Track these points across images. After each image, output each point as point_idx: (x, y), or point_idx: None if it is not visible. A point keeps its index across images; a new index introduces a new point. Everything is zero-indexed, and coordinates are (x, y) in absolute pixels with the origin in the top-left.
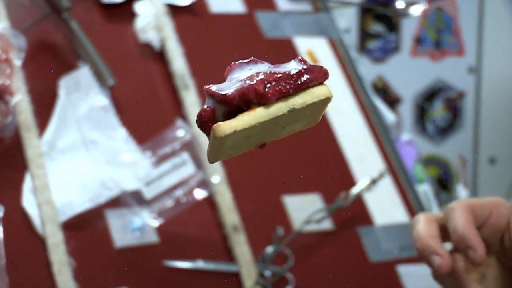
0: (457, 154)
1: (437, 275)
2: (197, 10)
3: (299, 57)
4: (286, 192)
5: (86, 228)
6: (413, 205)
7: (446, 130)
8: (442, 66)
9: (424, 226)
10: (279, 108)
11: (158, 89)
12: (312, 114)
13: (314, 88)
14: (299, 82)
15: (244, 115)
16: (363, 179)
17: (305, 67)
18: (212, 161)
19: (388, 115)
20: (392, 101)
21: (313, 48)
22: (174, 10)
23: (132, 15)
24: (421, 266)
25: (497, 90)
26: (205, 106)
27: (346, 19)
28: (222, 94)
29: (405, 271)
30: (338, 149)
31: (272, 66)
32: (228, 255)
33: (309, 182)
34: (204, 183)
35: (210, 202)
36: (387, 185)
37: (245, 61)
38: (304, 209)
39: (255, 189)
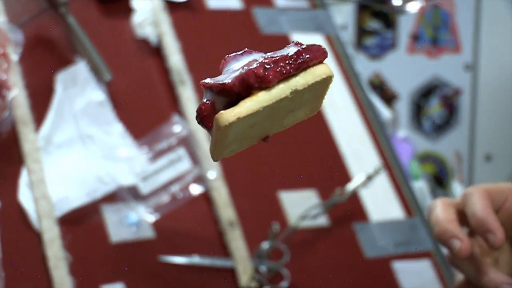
0: (453, 151)
1: (455, 259)
2: (194, 6)
3: (294, 41)
4: (282, 188)
5: (82, 223)
6: (408, 202)
7: (442, 127)
8: (439, 63)
9: (442, 211)
10: (281, 90)
11: (154, 85)
12: (314, 99)
13: (314, 67)
14: (299, 62)
15: (246, 101)
16: (358, 175)
17: (303, 47)
18: (216, 158)
19: (384, 112)
20: (389, 98)
21: None
22: (171, 6)
23: (129, 11)
24: (416, 263)
25: (493, 87)
26: (204, 100)
27: (343, 15)
28: (220, 84)
29: (400, 267)
30: (334, 145)
31: (268, 53)
32: (224, 250)
33: (305, 178)
34: (200, 179)
35: (206, 197)
36: (383, 181)
37: (239, 53)
38: (300, 205)
39: (251, 185)
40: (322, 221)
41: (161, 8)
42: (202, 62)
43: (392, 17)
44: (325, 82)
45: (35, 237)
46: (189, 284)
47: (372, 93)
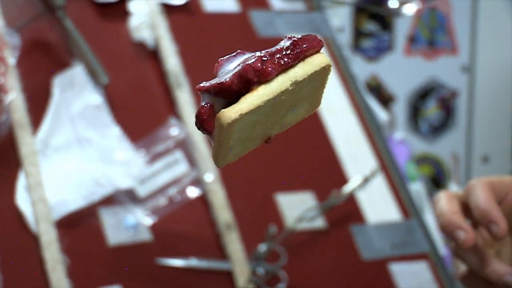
0: (450, 153)
1: (460, 250)
2: (191, 9)
3: (288, 36)
4: (279, 190)
5: (79, 226)
6: (405, 204)
7: (439, 128)
8: (436, 65)
9: (447, 203)
10: (282, 83)
11: (151, 88)
12: (314, 92)
13: (312, 57)
14: (297, 51)
15: (247, 96)
16: (355, 177)
17: (299, 37)
18: (220, 164)
19: (381, 114)
20: (386, 100)
21: None
22: (168, 9)
23: (126, 14)
24: (413, 264)
25: (490, 89)
26: (203, 104)
27: (340, 18)
28: (218, 83)
29: (397, 269)
30: (331, 147)
31: (263, 51)
32: (221, 253)
33: (302, 180)
34: (197, 182)
35: (203, 200)
36: (380, 183)
37: (232, 54)
38: (297, 207)
39: (248, 187)
40: (319, 223)
41: (158, 11)
42: (199, 65)
43: (389, 19)
44: (324, 72)
45: (33, 240)
46: (186, 286)
47: (369, 95)
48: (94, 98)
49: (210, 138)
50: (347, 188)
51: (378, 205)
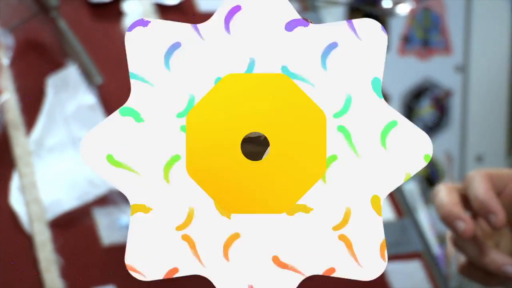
0: (444, 152)
1: (459, 240)
2: (185, 9)
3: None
4: None
5: (73, 226)
6: (399, 203)
7: (433, 128)
8: (430, 65)
9: (446, 194)
10: None
11: None
12: None
13: None
14: None
15: None
16: None
17: None
18: None
19: None
20: None
21: None
22: (162, 9)
23: (120, 14)
24: (406, 264)
25: (484, 89)
26: None
27: (334, 18)
28: None
29: (391, 268)
30: None
31: None
32: None
33: None
34: None
35: None
36: None
37: None
38: None
39: None
40: None
41: (151, 11)
42: None
43: (383, 19)
44: None
45: (27, 240)
46: (181, 286)
47: None
48: (88, 98)
49: None
50: None
51: None
